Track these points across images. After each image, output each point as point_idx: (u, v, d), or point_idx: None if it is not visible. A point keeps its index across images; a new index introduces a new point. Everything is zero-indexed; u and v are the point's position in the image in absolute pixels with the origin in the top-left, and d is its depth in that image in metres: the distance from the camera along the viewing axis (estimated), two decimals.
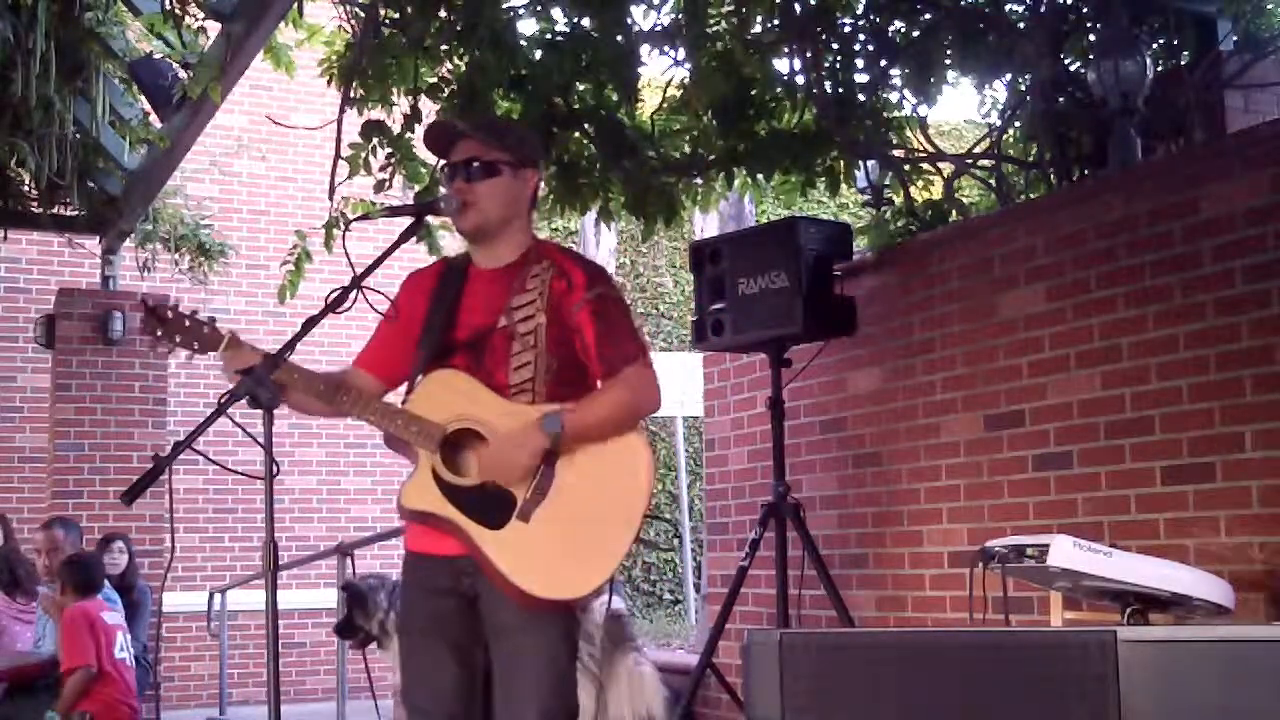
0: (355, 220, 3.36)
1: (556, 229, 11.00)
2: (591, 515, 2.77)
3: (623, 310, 2.99)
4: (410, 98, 5.31)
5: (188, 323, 2.80)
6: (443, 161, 3.03)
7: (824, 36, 5.38)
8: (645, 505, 2.82)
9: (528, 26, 6.18)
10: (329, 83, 5.69)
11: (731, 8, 5.42)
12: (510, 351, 2.86)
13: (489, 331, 2.88)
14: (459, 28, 5.14)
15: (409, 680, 2.92)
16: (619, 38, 5.15)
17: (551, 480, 2.78)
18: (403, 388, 2.98)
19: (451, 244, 5.90)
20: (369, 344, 3.08)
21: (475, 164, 2.91)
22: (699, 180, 5.69)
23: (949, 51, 5.34)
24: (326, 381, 2.86)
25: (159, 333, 2.79)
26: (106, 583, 6.01)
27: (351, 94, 5.36)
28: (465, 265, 3.03)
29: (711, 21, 5.37)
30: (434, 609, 2.86)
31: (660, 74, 5.65)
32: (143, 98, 6.83)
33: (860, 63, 5.51)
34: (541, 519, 2.76)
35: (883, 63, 5.50)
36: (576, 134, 5.43)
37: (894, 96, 5.64)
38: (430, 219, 3.75)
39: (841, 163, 5.49)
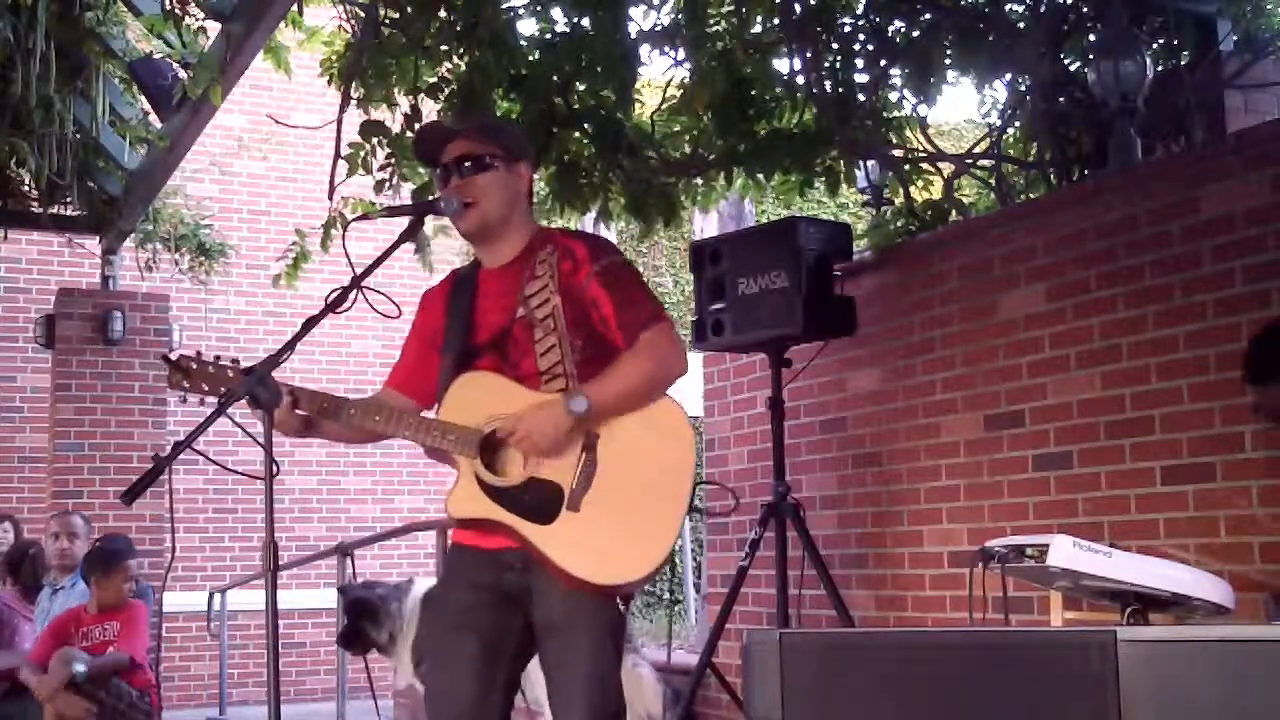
0: (355, 220, 3.35)
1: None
2: (642, 493, 2.75)
3: (633, 276, 2.95)
4: (410, 98, 5.32)
5: (211, 369, 2.80)
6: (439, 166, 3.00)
7: (824, 36, 5.38)
8: (693, 470, 2.80)
9: (527, 26, 6.19)
10: (329, 83, 5.69)
11: (731, 8, 5.42)
12: (533, 339, 2.84)
13: (509, 326, 2.87)
14: (459, 28, 5.14)
15: (430, 669, 2.91)
16: (618, 37, 5.15)
17: (595, 465, 2.76)
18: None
19: (449, 244, 5.91)
20: (398, 364, 3.09)
21: (470, 160, 2.90)
22: (699, 180, 5.69)
23: (949, 51, 5.33)
24: (357, 406, 2.86)
25: (186, 384, 2.78)
26: None
27: (351, 94, 5.37)
28: (475, 270, 3.02)
29: (711, 21, 5.37)
30: (469, 602, 2.84)
31: (660, 74, 5.66)
32: (143, 98, 6.83)
33: (860, 63, 5.51)
34: (591, 505, 2.74)
35: (883, 63, 5.50)
36: (576, 134, 5.43)
37: (894, 96, 5.64)
38: (427, 225, 3.73)
39: (841, 163, 5.48)
